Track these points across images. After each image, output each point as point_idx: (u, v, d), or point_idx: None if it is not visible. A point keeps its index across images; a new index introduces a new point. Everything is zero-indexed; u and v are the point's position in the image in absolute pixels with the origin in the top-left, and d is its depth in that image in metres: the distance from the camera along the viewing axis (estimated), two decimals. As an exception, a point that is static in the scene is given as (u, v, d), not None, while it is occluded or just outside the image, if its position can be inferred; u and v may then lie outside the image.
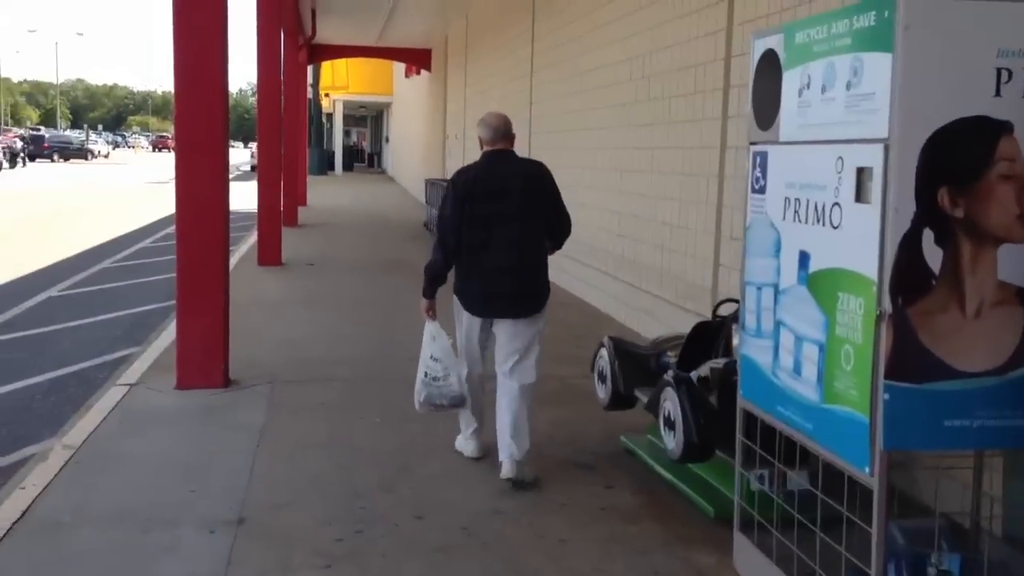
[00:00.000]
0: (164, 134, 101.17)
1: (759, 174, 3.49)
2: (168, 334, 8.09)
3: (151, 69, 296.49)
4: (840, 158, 2.92)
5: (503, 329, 4.86)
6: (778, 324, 3.34)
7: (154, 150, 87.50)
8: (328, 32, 23.29)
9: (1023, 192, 2.74)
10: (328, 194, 28.27)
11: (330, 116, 47.51)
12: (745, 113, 6.07)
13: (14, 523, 4.11)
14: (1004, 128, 2.72)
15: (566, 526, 4.27)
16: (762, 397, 3.51)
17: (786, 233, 3.28)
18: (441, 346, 4.94)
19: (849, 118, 2.89)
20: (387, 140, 48.99)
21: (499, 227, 4.75)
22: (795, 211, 3.20)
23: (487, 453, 5.14)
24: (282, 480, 4.74)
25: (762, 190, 3.47)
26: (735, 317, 4.46)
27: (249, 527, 4.14)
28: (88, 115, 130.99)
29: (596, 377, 5.38)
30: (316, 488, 4.64)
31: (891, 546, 3.01)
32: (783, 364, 3.31)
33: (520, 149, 5.34)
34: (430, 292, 4.97)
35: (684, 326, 7.47)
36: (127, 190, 31.51)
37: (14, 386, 6.78)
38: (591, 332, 8.72)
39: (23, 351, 7.90)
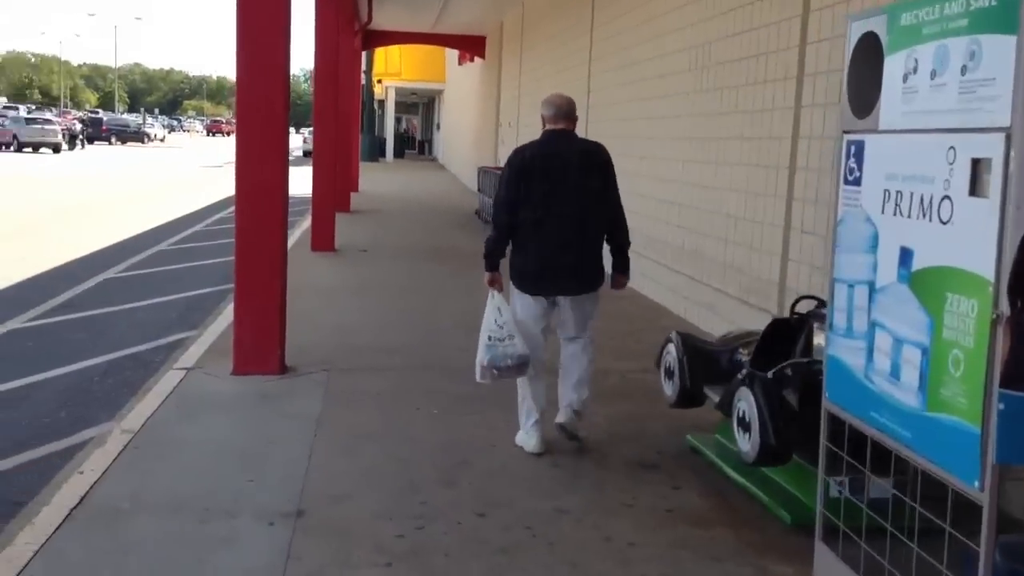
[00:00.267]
0: (218, 119, 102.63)
1: (853, 165, 3.28)
2: (223, 318, 8.08)
3: (207, 54, 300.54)
4: (952, 148, 2.71)
5: (563, 306, 4.98)
6: (873, 324, 3.14)
7: (208, 134, 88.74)
8: (384, 18, 23.20)
9: None
10: (379, 180, 28.28)
11: (382, 103, 47.56)
12: (827, 102, 5.88)
13: (72, 509, 4.05)
14: None
15: (633, 528, 4.11)
16: (851, 401, 3.31)
17: (885, 228, 3.07)
18: (505, 311, 4.96)
19: (964, 105, 2.67)
20: (438, 127, 48.97)
21: (556, 204, 4.82)
22: (896, 204, 2.99)
23: (548, 449, 5.00)
24: (340, 471, 4.64)
25: (857, 182, 3.26)
26: (817, 315, 4.26)
27: (308, 520, 4.04)
28: (145, 99, 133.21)
29: (663, 373, 5.20)
30: (374, 480, 4.53)
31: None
32: (878, 367, 3.11)
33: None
34: (489, 265, 5.03)
35: (747, 321, 7.29)
36: (182, 173, 31.85)
37: (73, 367, 6.77)
38: (649, 325, 8.54)
39: (81, 332, 7.91)
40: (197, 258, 12.49)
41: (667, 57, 9.54)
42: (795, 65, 6.66)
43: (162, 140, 63.70)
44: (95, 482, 4.36)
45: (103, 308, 8.89)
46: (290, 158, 6.62)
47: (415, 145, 57.68)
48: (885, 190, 3.06)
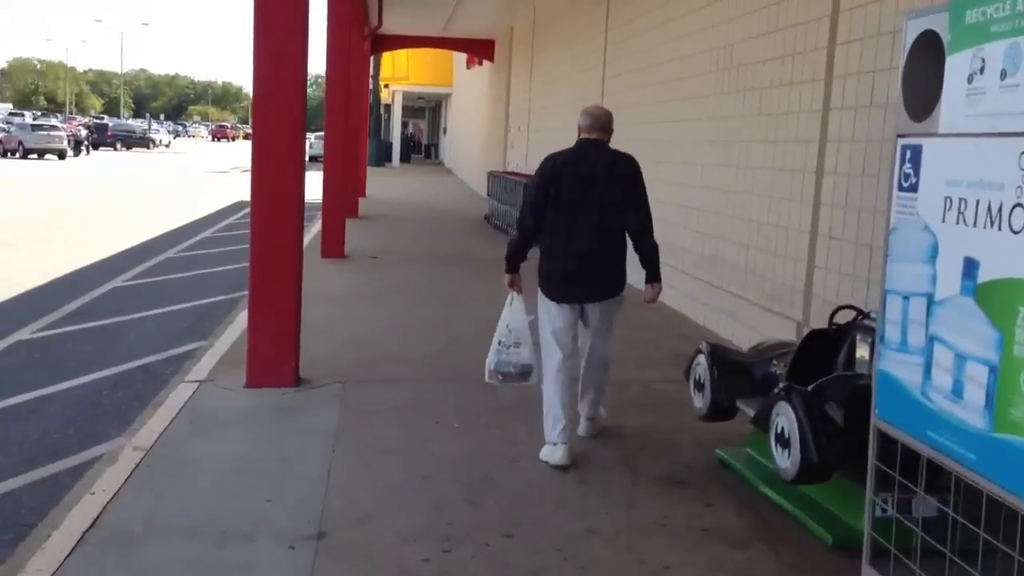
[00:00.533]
0: (224, 124, 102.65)
1: (909, 170, 3.11)
2: (234, 328, 7.92)
3: (212, 59, 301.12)
4: (1024, 153, 2.53)
5: (588, 312, 5.05)
6: (931, 339, 2.96)
7: (213, 139, 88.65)
8: (393, 23, 23.07)
9: None
10: (387, 186, 28.14)
11: (388, 107, 47.48)
12: (858, 104, 5.68)
13: (84, 532, 3.89)
14: None
15: (667, 549, 3.94)
16: (905, 419, 3.13)
17: (946, 237, 2.90)
18: (518, 317, 5.05)
19: (1039, 107, 2.50)
20: (445, 131, 48.84)
21: (583, 213, 4.88)
22: (960, 212, 2.82)
23: (574, 463, 4.84)
24: (361, 490, 4.47)
25: (913, 188, 3.09)
26: (860, 327, 4.08)
27: (330, 543, 3.87)
28: (150, 104, 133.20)
29: (692, 385, 5.02)
30: (397, 500, 4.36)
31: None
32: (937, 384, 2.93)
33: None
34: (510, 267, 5.12)
35: (770, 328, 7.12)
36: (188, 179, 31.74)
37: (82, 380, 6.61)
38: (668, 333, 8.37)
39: (90, 343, 7.76)
40: (206, 265, 12.34)
41: (687, 59, 9.36)
42: (823, 67, 6.48)
43: (167, 146, 63.63)
44: (107, 503, 4.20)
45: (112, 318, 8.74)
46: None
47: (421, 150, 57.55)
48: (946, 197, 2.89)
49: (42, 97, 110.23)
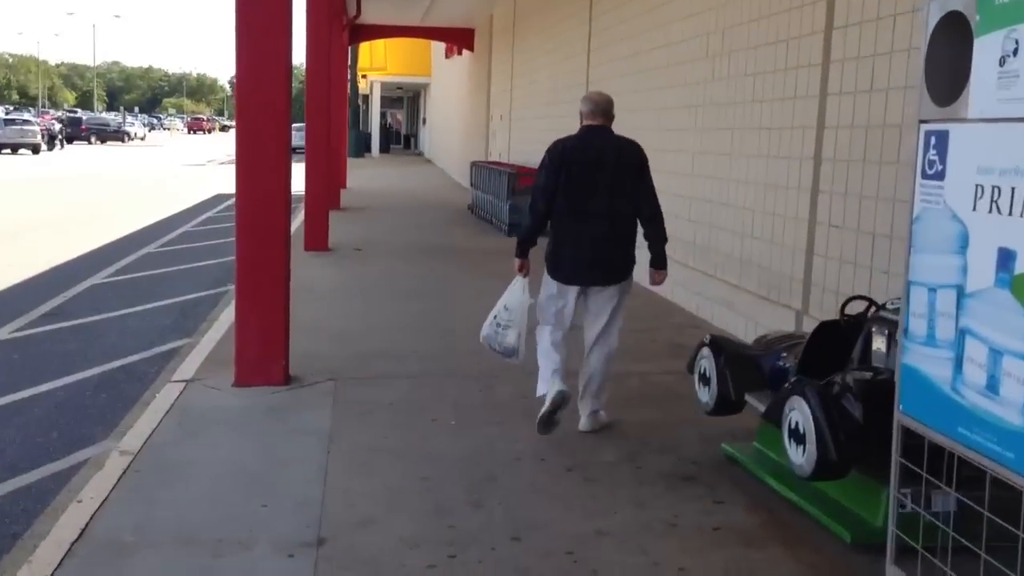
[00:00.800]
0: (199, 116, 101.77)
1: (934, 157, 2.98)
2: (220, 324, 7.74)
3: (186, 51, 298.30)
4: (1066, 137, 2.41)
5: (592, 297, 5.11)
6: (962, 332, 2.85)
7: (189, 132, 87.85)
8: (372, 12, 22.78)
9: None
10: (368, 176, 27.90)
11: (366, 98, 47.11)
12: (857, 90, 5.52)
13: (73, 543, 3.72)
14: None
15: (680, 551, 3.81)
16: (933, 415, 3.02)
17: (977, 226, 2.78)
18: (519, 301, 5.12)
19: (1081, 89, 2.38)
20: (424, 122, 48.53)
21: (591, 198, 4.96)
22: (992, 201, 2.69)
23: (578, 461, 4.74)
24: (359, 493, 4.32)
25: (939, 176, 2.96)
26: (876, 318, 3.97)
27: (330, 549, 3.72)
28: (124, 97, 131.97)
29: (697, 379, 4.90)
30: (397, 503, 4.22)
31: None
32: (970, 380, 2.81)
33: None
34: (521, 252, 5.17)
35: (768, 317, 7.01)
36: (165, 173, 31.34)
37: (64, 381, 6.41)
38: (662, 323, 8.26)
39: (71, 342, 7.55)
40: (188, 260, 12.11)
41: (677, 46, 9.22)
42: (820, 51, 6.36)
43: (142, 139, 62.96)
44: (95, 512, 4.03)
45: (92, 316, 8.52)
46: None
47: (400, 140, 57.17)
48: (977, 185, 2.76)
49: (14, 91, 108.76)
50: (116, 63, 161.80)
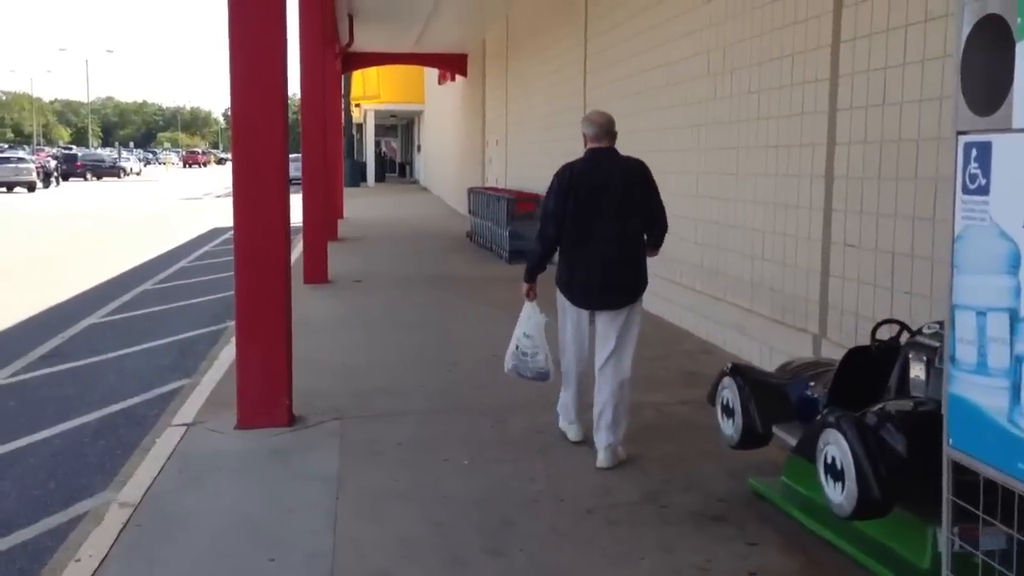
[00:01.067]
0: (195, 150, 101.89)
1: (976, 171, 2.79)
2: (220, 363, 7.53)
3: (179, 85, 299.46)
4: None
5: (602, 320, 5.09)
6: (1019, 359, 2.65)
7: (184, 166, 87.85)
8: (364, 40, 22.74)
9: None
10: (364, 206, 27.76)
11: (360, 127, 47.09)
12: (869, 104, 5.34)
13: (70, 609, 3.51)
14: None
15: (715, 597, 3.60)
16: (987, 449, 2.81)
17: (1031, 246, 2.59)
18: (535, 324, 5.22)
19: None
20: (419, 149, 48.51)
21: (600, 221, 4.95)
22: (1048, 218, 2.51)
23: (601, 500, 4.53)
24: (371, 543, 4.10)
25: (982, 190, 2.78)
26: (913, 344, 3.77)
27: (344, 608, 3.51)
28: (118, 132, 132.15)
29: (719, 410, 4.69)
30: (411, 553, 4.00)
31: None
32: (1029, 412, 2.61)
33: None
34: (528, 278, 5.22)
35: (783, 341, 6.81)
36: (161, 208, 31.19)
37: (61, 428, 6.19)
38: (672, 350, 8.06)
39: (68, 386, 7.33)
40: (185, 297, 11.90)
41: (676, 65, 9.08)
42: (827, 66, 6.21)
43: (138, 174, 62.90)
44: (94, 572, 3.81)
45: (89, 358, 8.31)
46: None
47: (395, 168, 57.12)
48: (1029, 201, 2.58)
49: (8, 129, 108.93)
50: (110, 98, 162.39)
